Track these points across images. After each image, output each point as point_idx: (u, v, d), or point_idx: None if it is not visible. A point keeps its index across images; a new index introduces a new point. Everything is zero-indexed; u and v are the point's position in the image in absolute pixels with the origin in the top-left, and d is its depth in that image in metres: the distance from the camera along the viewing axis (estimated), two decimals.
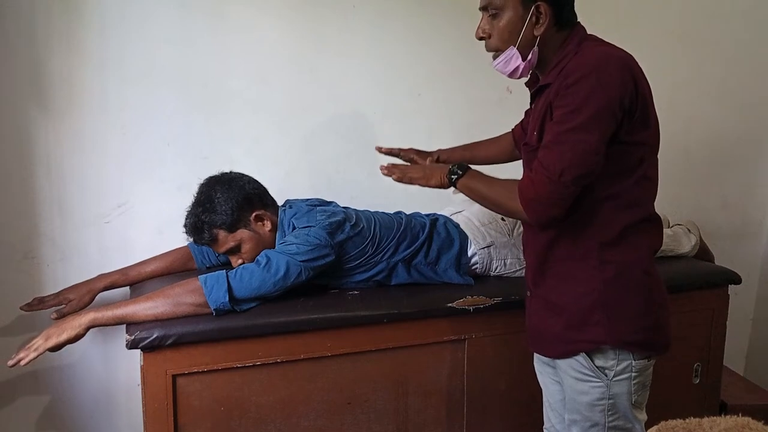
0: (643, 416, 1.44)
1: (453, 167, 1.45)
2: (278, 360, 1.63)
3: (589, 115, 1.23)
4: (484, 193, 1.41)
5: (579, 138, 1.24)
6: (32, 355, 1.48)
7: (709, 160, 2.68)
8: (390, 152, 1.78)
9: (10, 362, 1.48)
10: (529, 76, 1.46)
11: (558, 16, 1.33)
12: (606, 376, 1.38)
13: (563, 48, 1.34)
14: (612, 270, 1.35)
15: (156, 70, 2.01)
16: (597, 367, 1.38)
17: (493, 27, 1.36)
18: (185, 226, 1.79)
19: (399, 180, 1.51)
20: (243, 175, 1.84)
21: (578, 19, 1.39)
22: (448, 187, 1.47)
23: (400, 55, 2.27)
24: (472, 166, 1.48)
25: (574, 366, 1.41)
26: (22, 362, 1.47)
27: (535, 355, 1.62)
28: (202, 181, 1.81)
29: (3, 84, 1.88)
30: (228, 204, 1.75)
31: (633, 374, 1.39)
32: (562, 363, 1.45)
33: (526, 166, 1.42)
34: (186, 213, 1.79)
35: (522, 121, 1.73)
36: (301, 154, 2.21)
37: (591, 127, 1.23)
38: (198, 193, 1.80)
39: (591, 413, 1.41)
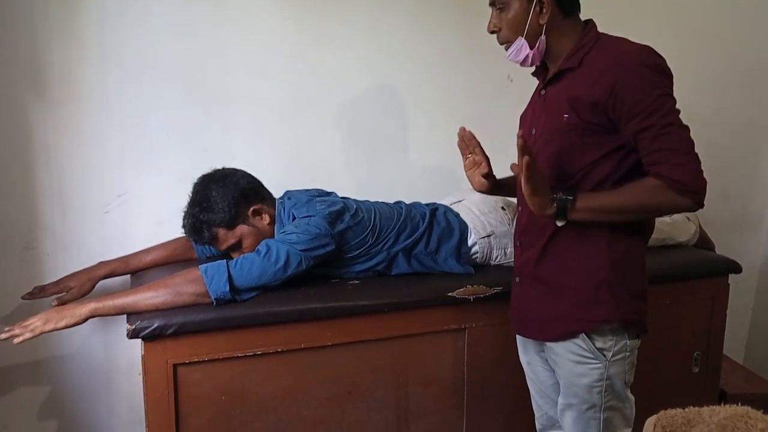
0: (632, 396, 1.50)
1: (559, 198, 1.33)
2: (279, 349, 1.63)
3: (672, 94, 1.31)
4: (618, 204, 1.32)
5: (678, 116, 1.30)
6: (27, 336, 1.47)
7: (710, 151, 2.64)
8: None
9: (4, 335, 1.48)
10: (535, 67, 1.51)
11: (560, 3, 1.39)
12: (605, 357, 1.42)
13: (584, 37, 1.39)
14: (621, 249, 1.40)
15: (156, 62, 2.00)
16: (597, 348, 1.41)
17: (501, 20, 1.43)
18: (184, 227, 1.79)
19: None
20: (236, 170, 1.83)
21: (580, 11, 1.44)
22: (556, 219, 1.35)
23: (401, 47, 2.27)
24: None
25: (572, 349, 1.44)
26: (16, 340, 1.47)
27: (521, 345, 1.65)
28: (195, 180, 1.80)
29: (2, 76, 1.87)
30: (225, 201, 1.74)
31: (627, 353, 1.44)
32: (557, 347, 1.47)
33: (547, 148, 1.41)
34: (183, 214, 1.79)
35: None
36: (301, 146, 2.21)
37: (675, 103, 1.31)
38: (193, 193, 1.79)
39: (589, 395, 1.45)
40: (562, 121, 1.37)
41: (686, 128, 1.29)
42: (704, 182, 1.29)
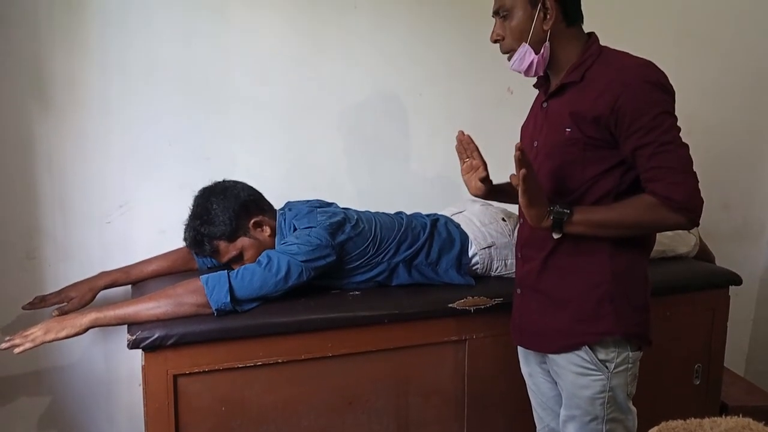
0: (634, 408, 1.49)
1: (556, 210, 1.34)
2: (279, 360, 1.63)
3: (673, 112, 1.31)
4: (613, 219, 1.34)
5: (678, 134, 1.31)
6: (28, 346, 1.47)
7: (710, 161, 2.67)
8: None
9: (4, 345, 1.48)
10: (536, 78, 1.51)
11: (564, 11, 1.39)
12: (607, 368, 1.41)
13: (586, 50, 1.39)
14: (623, 262, 1.40)
15: (158, 70, 2.01)
16: (599, 360, 1.41)
17: (505, 29, 1.43)
18: (185, 239, 1.80)
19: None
20: (237, 182, 1.84)
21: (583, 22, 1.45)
22: (552, 231, 1.37)
23: (401, 55, 2.28)
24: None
25: (574, 361, 1.43)
26: (17, 349, 1.47)
27: (523, 357, 1.65)
28: (196, 193, 1.81)
29: (5, 83, 1.88)
30: (225, 214, 1.75)
31: (629, 365, 1.44)
32: (560, 359, 1.46)
33: (548, 162, 1.42)
34: (184, 227, 1.80)
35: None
36: (302, 153, 2.22)
37: (676, 121, 1.31)
38: (194, 206, 1.80)
39: (591, 407, 1.44)
40: (564, 135, 1.37)
41: (685, 146, 1.30)
42: (700, 201, 1.30)
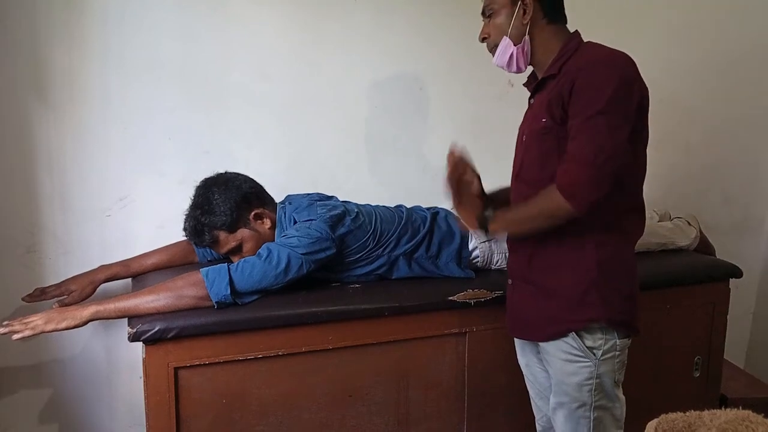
0: (622, 396, 1.51)
1: (482, 219, 1.46)
2: (280, 353, 1.63)
3: (618, 100, 1.32)
4: (522, 215, 1.44)
5: (607, 119, 1.32)
6: (27, 333, 1.48)
7: (711, 154, 2.67)
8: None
9: (2, 330, 1.48)
10: (527, 77, 1.56)
11: (543, 7, 1.44)
12: (594, 355, 1.43)
13: (566, 45, 1.43)
14: (608, 252, 1.42)
15: (157, 65, 2.01)
16: (587, 347, 1.43)
17: (490, 27, 1.50)
18: (185, 229, 1.80)
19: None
20: (239, 174, 1.84)
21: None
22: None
23: (401, 50, 2.27)
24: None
25: (562, 348, 1.45)
26: (15, 336, 1.47)
27: (519, 347, 1.67)
28: (198, 183, 1.81)
29: (4, 78, 1.88)
30: (227, 204, 1.75)
31: (617, 353, 1.45)
32: (549, 347, 1.48)
33: (528, 153, 1.46)
34: (184, 216, 1.80)
35: None
36: (302, 148, 2.21)
37: (614, 108, 1.32)
38: (195, 196, 1.80)
39: (579, 393, 1.46)
40: (540, 125, 1.41)
41: (605, 134, 1.29)
42: (585, 188, 1.30)
